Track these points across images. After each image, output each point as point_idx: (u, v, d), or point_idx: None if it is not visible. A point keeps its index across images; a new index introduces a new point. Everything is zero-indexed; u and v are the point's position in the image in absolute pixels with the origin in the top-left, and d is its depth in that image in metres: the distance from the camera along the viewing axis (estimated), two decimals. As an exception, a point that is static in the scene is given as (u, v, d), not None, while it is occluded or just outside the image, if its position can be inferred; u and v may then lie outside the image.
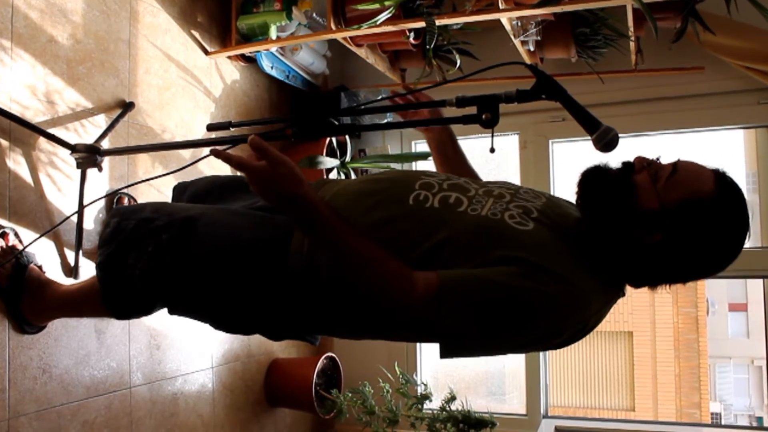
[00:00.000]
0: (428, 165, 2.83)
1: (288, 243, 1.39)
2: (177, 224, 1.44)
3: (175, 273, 1.44)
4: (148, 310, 1.60)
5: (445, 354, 1.22)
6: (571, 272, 1.20)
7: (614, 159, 1.31)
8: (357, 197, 1.39)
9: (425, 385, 2.79)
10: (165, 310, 1.56)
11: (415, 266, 1.21)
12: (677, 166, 1.23)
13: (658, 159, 1.27)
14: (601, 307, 1.28)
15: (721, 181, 1.22)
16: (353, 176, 3.02)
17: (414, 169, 3.08)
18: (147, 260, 1.44)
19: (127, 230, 1.48)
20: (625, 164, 1.29)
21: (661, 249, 1.22)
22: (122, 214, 1.54)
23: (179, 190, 1.87)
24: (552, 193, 2.75)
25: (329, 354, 3.11)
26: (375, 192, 1.38)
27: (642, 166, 1.26)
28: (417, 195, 1.34)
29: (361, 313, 1.35)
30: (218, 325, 1.53)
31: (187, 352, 2.53)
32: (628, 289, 1.36)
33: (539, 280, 1.16)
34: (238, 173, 2.50)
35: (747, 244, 1.25)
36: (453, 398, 2.66)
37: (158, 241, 1.43)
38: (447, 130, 1.69)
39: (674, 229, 1.20)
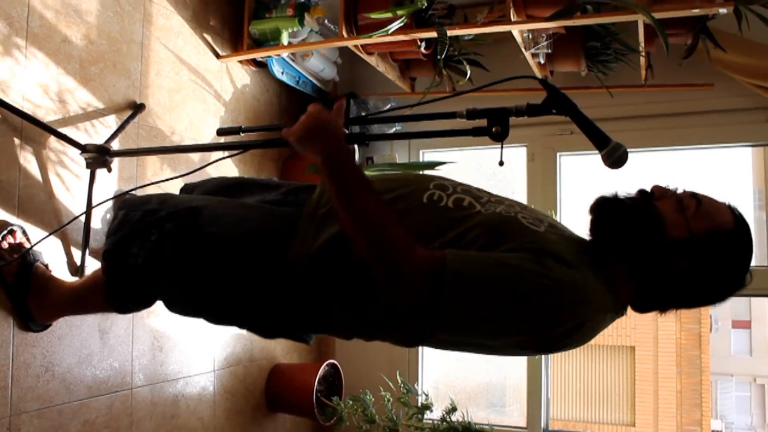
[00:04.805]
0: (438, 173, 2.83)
1: (293, 234, 1.40)
2: (181, 213, 1.46)
3: (176, 261, 1.45)
4: (148, 302, 1.62)
5: (432, 331, 1.27)
6: (579, 263, 1.23)
7: (626, 186, 1.34)
8: None
9: (426, 395, 2.78)
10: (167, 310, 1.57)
11: None
12: (700, 198, 1.28)
13: (669, 187, 1.31)
14: (600, 314, 1.27)
15: (736, 215, 1.29)
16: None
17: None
18: (150, 248, 1.46)
19: (133, 221, 1.51)
20: (643, 192, 1.32)
21: (687, 275, 1.27)
22: (129, 206, 1.57)
23: (186, 192, 1.87)
24: (557, 208, 2.73)
25: (331, 361, 3.11)
26: (389, 190, 1.39)
27: (662, 194, 1.30)
28: (431, 194, 1.36)
29: (361, 299, 1.33)
30: (214, 317, 1.53)
31: (189, 354, 2.53)
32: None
33: (547, 265, 1.19)
34: (245, 175, 2.49)
35: (752, 263, 1.30)
36: (454, 409, 2.66)
37: (162, 230, 1.46)
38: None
39: (702, 257, 1.26)
